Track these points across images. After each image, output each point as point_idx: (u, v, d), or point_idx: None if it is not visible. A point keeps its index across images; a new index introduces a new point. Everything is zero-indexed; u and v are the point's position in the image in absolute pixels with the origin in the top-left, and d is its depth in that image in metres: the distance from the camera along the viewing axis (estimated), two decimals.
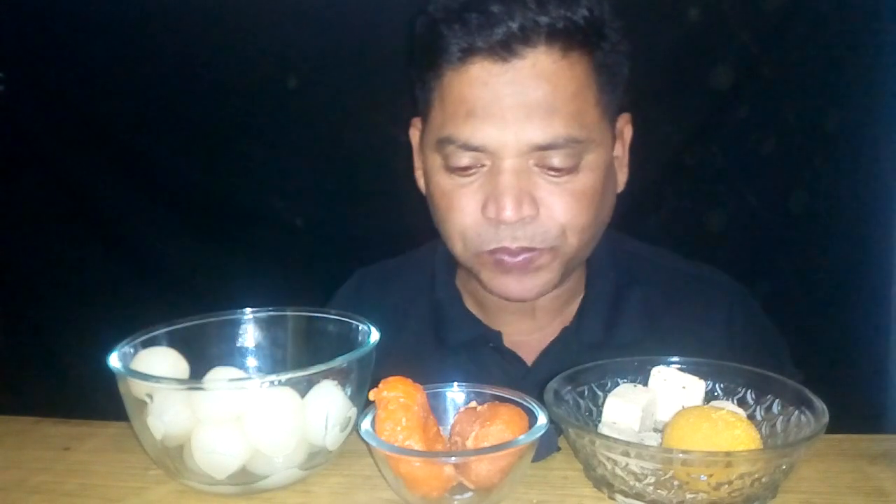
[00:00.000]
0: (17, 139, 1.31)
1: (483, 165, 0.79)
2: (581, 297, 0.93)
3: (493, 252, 0.80)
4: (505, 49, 0.75)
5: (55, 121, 1.30)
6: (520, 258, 0.80)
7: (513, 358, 0.91)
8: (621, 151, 0.89)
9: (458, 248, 0.84)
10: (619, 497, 0.59)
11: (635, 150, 0.92)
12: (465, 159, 0.79)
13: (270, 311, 0.75)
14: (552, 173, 0.78)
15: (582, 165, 0.79)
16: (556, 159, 0.77)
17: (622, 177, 0.89)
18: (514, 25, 0.74)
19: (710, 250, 1.24)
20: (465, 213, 0.81)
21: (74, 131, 1.30)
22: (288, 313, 0.75)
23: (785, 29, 1.21)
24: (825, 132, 1.22)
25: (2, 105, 1.29)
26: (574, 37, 0.76)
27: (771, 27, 1.21)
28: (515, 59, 0.75)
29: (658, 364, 0.68)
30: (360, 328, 0.70)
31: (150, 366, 0.65)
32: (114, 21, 1.22)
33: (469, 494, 0.57)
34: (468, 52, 0.76)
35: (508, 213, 0.76)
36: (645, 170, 1.24)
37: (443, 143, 0.80)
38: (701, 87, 1.23)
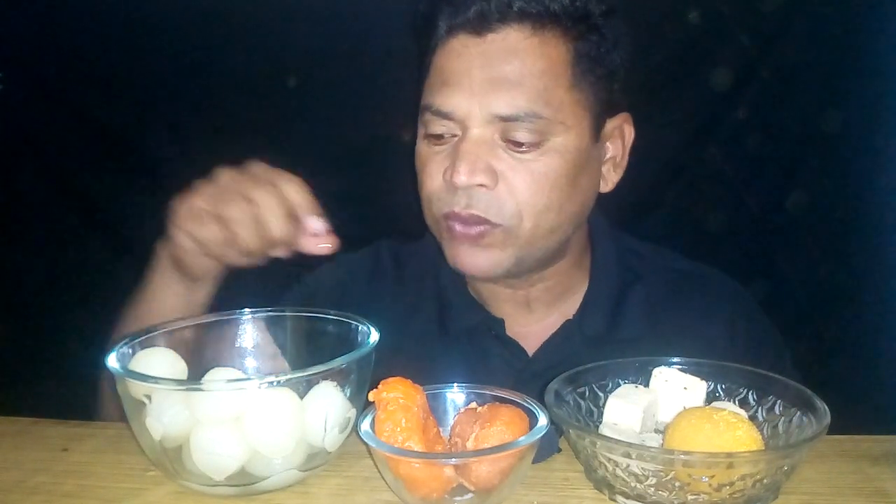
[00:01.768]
0: (16, 138, 1.31)
1: (455, 136, 0.83)
2: (581, 291, 0.94)
3: (446, 216, 0.83)
4: (481, 23, 0.81)
5: (55, 120, 1.30)
6: (472, 230, 0.82)
7: (514, 347, 0.92)
8: (619, 151, 0.89)
9: (426, 213, 0.88)
10: (620, 498, 0.59)
11: (635, 149, 0.92)
12: (438, 127, 0.83)
13: (269, 311, 0.75)
14: (515, 148, 0.81)
15: (547, 146, 0.81)
16: (519, 133, 0.80)
17: (614, 176, 0.90)
18: (491, 4, 0.80)
19: (710, 250, 1.24)
20: (432, 177, 0.85)
21: (74, 131, 1.30)
22: (287, 313, 0.75)
23: (785, 29, 1.21)
24: (825, 133, 1.22)
25: (1, 104, 1.28)
26: (547, 19, 0.80)
27: (771, 28, 1.21)
28: (489, 34, 0.81)
29: (659, 365, 0.68)
30: (360, 329, 0.70)
31: (149, 366, 0.64)
32: (113, 21, 1.22)
33: (469, 496, 0.57)
34: (452, 28, 0.83)
35: (462, 177, 0.79)
36: (645, 170, 1.25)
37: (423, 111, 0.85)
38: (701, 88, 1.23)
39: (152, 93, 1.26)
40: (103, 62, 1.25)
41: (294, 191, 0.74)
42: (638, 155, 0.92)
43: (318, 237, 0.75)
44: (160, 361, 0.66)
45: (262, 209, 0.72)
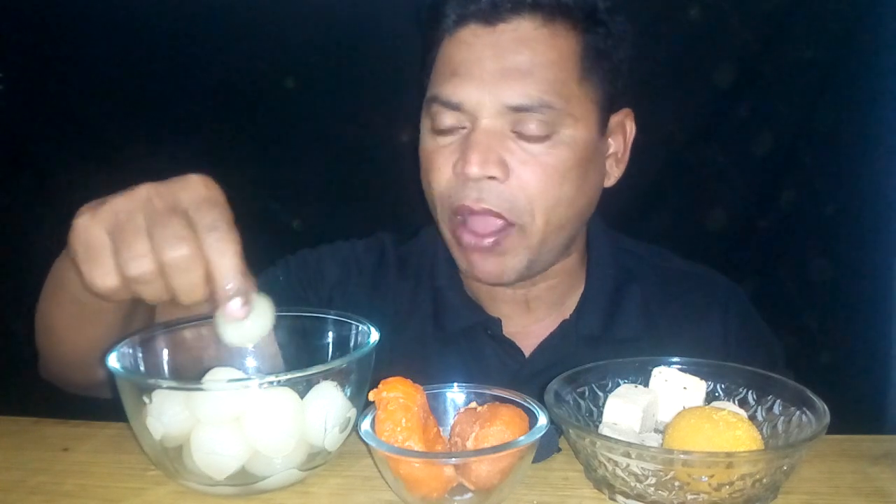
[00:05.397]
0: (15, 139, 1.31)
1: (464, 128, 0.82)
2: (578, 290, 0.94)
3: (457, 211, 0.82)
4: (492, 14, 0.80)
5: (54, 121, 1.30)
6: (483, 242, 0.81)
7: (511, 347, 0.92)
8: (620, 147, 0.90)
9: (437, 212, 0.86)
10: (619, 498, 0.59)
11: (636, 149, 0.92)
12: (447, 119, 0.82)
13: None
14: (526, 140, 0.80)
15: (557, 138, 0.80)
16: (530, 124, 0.79)
17: (616, 171, 0.90)
18: None
19: (710, 249, 1.24)
20: (441, 172, 0.83)
21: (73, 131, 1.30)
22: (287, 313, 0.75)
23: (785, 29, 1.21)
24: (825, 132, 1.22)
25: (0, 105, 1.28)
26: (557, 10, 0.80)
27: (771, 27, 1.21)
28: (501, 24, 0.80)
29: (659, 364, 0.68)
30: (360, 329, 0.70)
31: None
32: (113, 22, 1.22)
33: (469, 495, 0.57)
34: (461, 18, 0.82)
35: (474, 168, 0.78)
36: (645, 169, 1.25)
37: (429, 102, 0.84)
38: (701, 87, 1.23)
39: (151, 94, 1.26)
40: (103, 63, 1.25)
41: (230, 254, 0.59)
42: (639, 154, 0.92)
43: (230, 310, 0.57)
44: None
45: (177, 269, 0.56)
